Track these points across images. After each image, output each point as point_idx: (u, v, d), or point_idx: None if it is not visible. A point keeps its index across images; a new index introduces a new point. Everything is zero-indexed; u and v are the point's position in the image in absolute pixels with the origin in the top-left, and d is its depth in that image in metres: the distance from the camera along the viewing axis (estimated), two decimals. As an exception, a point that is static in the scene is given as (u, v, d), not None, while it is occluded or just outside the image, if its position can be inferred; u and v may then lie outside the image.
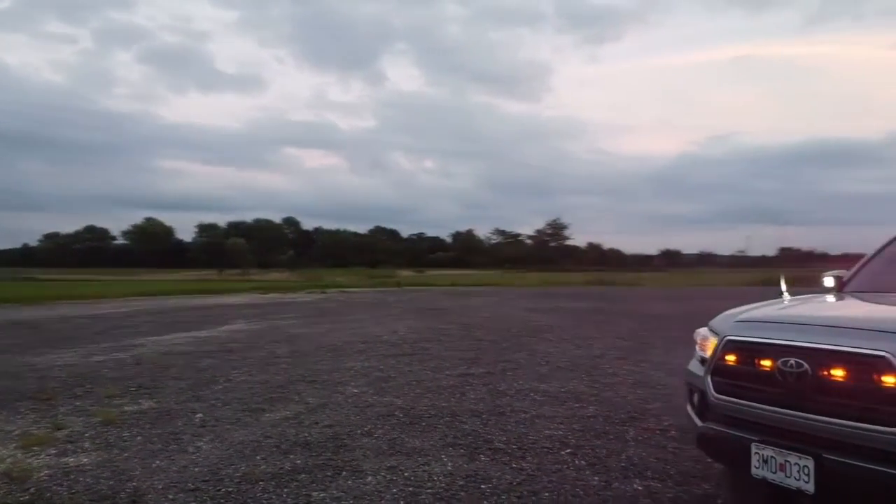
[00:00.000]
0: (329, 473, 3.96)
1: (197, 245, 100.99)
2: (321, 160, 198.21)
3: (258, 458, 4.26)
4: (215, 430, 4.95)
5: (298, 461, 4.18)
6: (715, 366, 3.00)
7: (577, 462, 4.18)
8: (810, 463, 2.49)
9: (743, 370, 2.88)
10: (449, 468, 4.06)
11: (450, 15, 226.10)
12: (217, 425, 5.11)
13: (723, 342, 2.99)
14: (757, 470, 2.69)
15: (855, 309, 3.38)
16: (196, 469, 4.04)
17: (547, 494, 3.62)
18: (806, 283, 4.65)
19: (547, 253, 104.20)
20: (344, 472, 3.96)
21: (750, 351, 2.86)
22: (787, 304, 3.50)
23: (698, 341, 3.38)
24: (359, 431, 4.91)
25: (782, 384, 2.64)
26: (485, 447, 4.52)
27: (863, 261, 4.00)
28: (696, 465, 4.05)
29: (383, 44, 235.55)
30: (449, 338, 11.12)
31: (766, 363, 2.74)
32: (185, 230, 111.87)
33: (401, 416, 5.41)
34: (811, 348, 2.59)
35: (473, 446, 4.55)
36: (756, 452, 2.68)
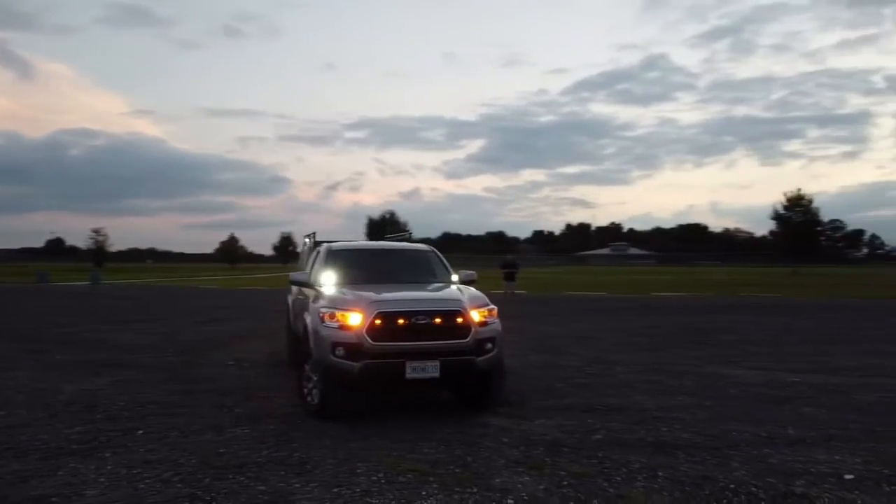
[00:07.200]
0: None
1: None
2: None
3: None
4: None
5: None
6: (369, 327, 5.17)
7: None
8: (437, 363, 5.18)
9: (389, 326, 5.22)
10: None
11: None
12: None
13: (374, 314, 5.18)
14: (410, 374, 5.11)
15: (424, 291, 6.06)
16: None
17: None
18: None
19: None
20: None
21: (393, 316, 5.24)
22: (390, 290, 5.83)
23: (328, 315, 5.36)
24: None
25: (415, 330, 5.24)
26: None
27: (312, 267, 6.94)
28: (290, 409, 5.82)
29: None
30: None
31: (403, 321, 5.25)
32: None
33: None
34: (429, 311, 5.38)
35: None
36: (409, 365, 5.14)
